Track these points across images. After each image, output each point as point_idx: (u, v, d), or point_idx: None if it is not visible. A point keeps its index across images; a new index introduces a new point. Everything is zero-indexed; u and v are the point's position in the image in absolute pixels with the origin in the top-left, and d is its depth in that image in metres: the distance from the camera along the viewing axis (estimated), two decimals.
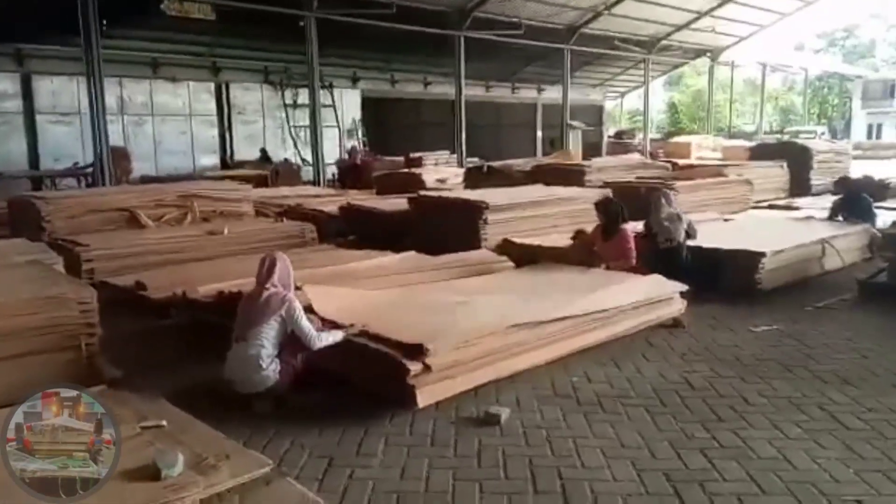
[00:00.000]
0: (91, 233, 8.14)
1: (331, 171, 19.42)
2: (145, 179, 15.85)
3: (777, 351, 5.13)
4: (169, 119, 19.29)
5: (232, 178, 14.60)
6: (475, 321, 4.42)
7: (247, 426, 3.89)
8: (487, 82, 27.25)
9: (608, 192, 10.00)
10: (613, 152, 25.13)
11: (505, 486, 3.25)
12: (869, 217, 8.71)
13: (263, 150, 20.06)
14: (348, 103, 23.15)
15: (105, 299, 4.76)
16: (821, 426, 3.83)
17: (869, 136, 32.34)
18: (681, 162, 17.67)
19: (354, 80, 23.66)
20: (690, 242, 6.70)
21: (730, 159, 20.22)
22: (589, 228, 8.01)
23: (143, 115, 18.78)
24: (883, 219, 8.93)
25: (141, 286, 6.38)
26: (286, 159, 20.44)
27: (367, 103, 23.96)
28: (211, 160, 20.19)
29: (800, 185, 14.88)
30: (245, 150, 20.92)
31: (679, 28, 26.25)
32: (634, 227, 6.74)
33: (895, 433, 3.73)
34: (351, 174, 18.22)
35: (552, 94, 30.28)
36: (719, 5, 24.45)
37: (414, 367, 3.93)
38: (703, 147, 26.92)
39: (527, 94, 30.55)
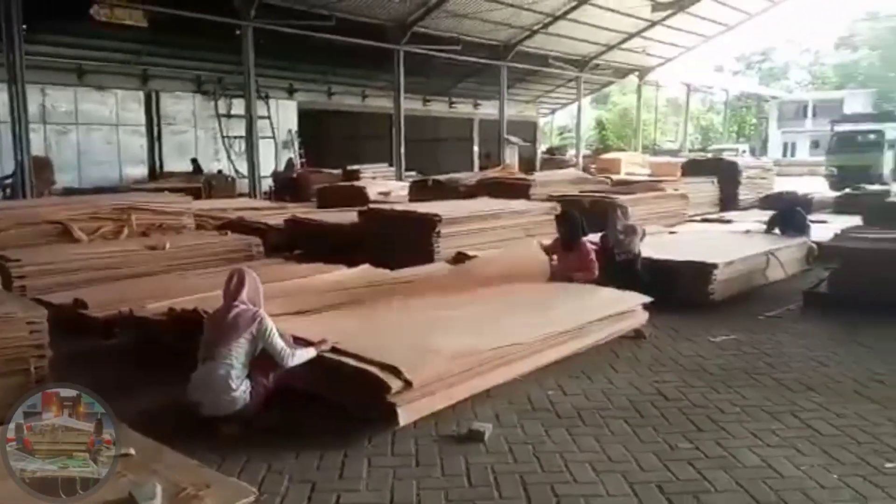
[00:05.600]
0: (20, 247, 7.58)
1: (266, 183, 19.01)
2: (69, 191, 15.09)
3: (740, 360, 5.23)
4: (94, 128, 18.45)
5: (162, 189, 14.00)
6: (455, 344, 4.28)
7: (216, 452, 3.65)
8: (425, 96, 27.31)
9: (555, 205, 10.15)
10: (546, 168, 25.63)
11: None
12: (804, 230, 9.09)
13: (195, 161, 19.37)
14: (284, 115, 22.76)
15: None
16: (796, 433, 3.90)
17: (784, 154, 34.12)
18: (614, 177, 18.10)
19: (291, 92, 23.28)
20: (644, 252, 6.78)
21: (659, 175, 20.87)
22: (546, 241, 8.07)
23: (66, 125, 17.89)
24: (816, 231, 9.32)
25: (81, 304, 5.98)
26: (220, 171, 19.91)
27: (304, 115, 23.59)
28: (138, 171, 19.44)
29: (729, 200, 15.40)
30: (174, 161, 20.20)
31: (610, 48, 27.07)
32: (591, 239, 6.78)
33: (867, 438, 3.83)
34: (289, 187, 17.87)
35: (488, 109, 30.69)
36: (648, 27, 25.33)
37: (395, 384, 3.79)
38: (632, 163, 27.73)
39: (463, 108, 30.79)
